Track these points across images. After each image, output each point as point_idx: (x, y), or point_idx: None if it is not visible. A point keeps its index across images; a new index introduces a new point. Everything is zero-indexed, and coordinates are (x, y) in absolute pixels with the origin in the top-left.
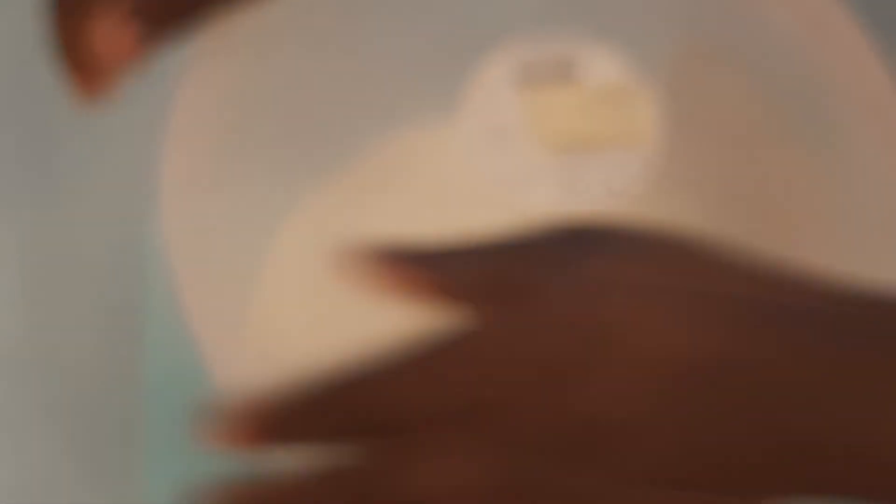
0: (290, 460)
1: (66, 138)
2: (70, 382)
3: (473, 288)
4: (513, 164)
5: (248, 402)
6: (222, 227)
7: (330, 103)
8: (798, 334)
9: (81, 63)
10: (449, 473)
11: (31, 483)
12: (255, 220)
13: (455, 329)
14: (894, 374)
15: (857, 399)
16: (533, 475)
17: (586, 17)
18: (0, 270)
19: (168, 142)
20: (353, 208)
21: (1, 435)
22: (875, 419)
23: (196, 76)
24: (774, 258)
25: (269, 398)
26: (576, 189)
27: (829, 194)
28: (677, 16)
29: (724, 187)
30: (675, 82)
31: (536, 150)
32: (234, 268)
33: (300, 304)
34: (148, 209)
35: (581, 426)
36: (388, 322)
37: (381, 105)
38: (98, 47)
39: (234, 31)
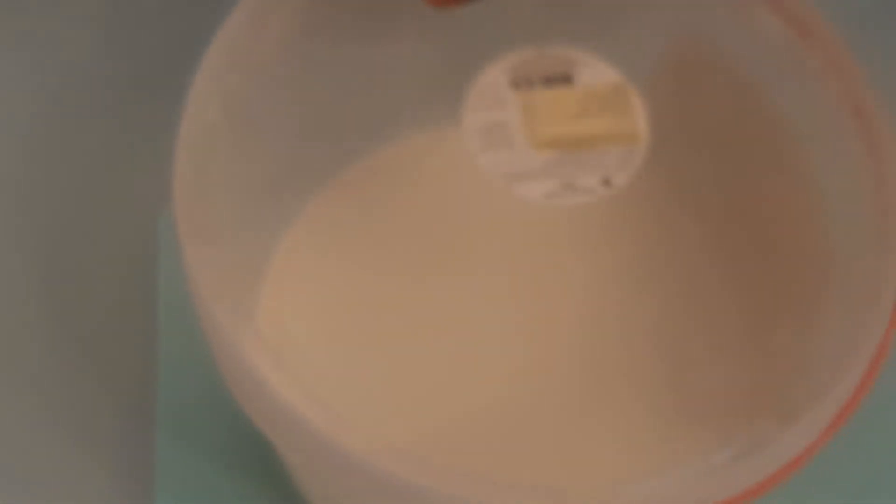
0: None
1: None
2: (78, 367)
3: None
4: (510, 163)
5: None
6: (230, 227)
7: (337, 106)
8: None
9: None
10: None
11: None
12: (262, 221)
13: None
14: None
15: None
16: None
17: (582, 25)
18: (8, 257)
19: (178, 144)
20: (356, 208)
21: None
22: None
23: (205, 81)
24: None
25: None
26: (571, 187)
27: (817, 197)
28: (669, 21)
29: (715, 188)
30: (667, 84)
31: (533, 149)
32: (242, 266)
33: (306, 303)
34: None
35: None
36: (396, 321)
37: (387, 109)
38: None
39: (242, 39)
